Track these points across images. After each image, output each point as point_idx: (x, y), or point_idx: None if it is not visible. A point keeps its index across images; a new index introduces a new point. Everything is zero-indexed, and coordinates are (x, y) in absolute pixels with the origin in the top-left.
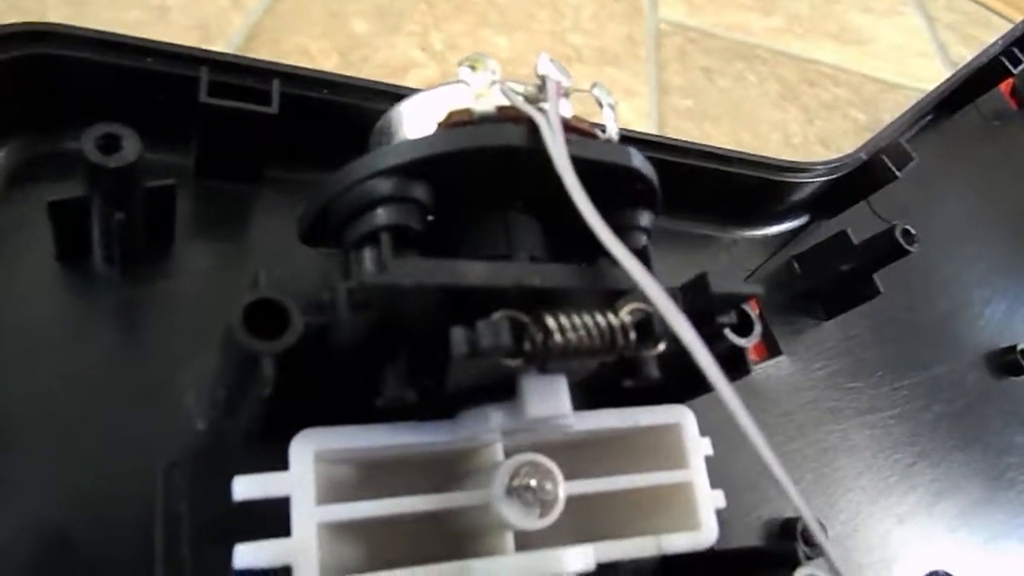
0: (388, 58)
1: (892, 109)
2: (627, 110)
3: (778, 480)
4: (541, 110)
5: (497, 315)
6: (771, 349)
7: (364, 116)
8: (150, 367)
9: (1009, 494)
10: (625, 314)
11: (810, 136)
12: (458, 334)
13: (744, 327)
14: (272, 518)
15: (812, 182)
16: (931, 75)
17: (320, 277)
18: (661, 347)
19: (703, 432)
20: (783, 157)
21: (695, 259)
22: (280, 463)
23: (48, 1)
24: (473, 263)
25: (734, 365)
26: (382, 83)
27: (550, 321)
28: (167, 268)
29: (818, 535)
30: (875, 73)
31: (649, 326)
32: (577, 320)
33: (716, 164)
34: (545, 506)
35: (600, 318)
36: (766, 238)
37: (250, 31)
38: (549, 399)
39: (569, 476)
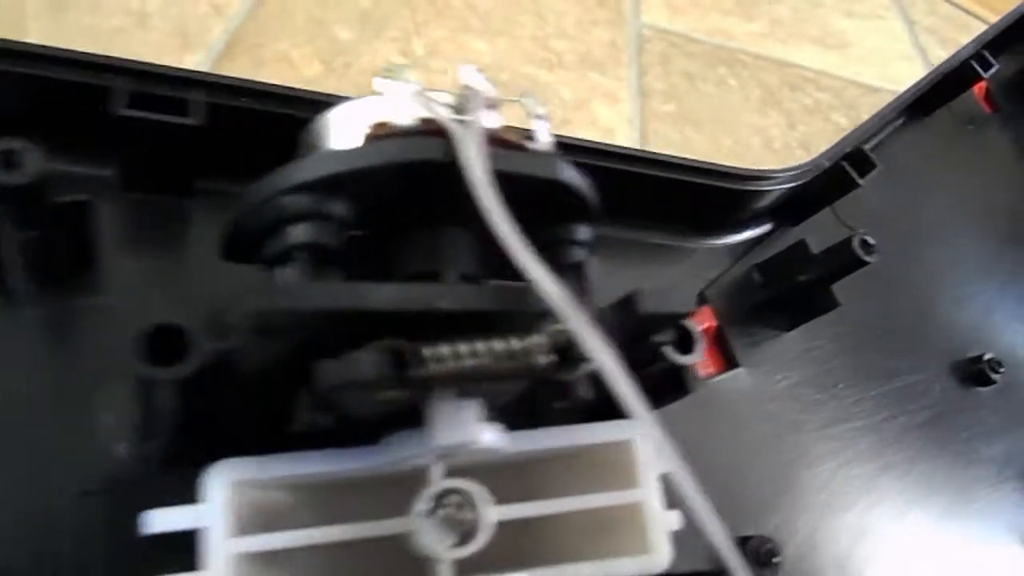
0: (370, 64)
1: (873, 113)
2: (609, 115)
3: (692, 506)
4: (465, 122)
5: (374, 345)
6: (728, 361)
7: (298, 126)
8: (69, 388)
9: (975, 507)
10: (541, 337)
11: (791, 141)
12: (323, 367)
13: (685, 344)
14: (190, 548)
15: (772, 190)
16: (912, 79)
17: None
18: (585, 370)
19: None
20: (765, 161)
21: (651, 270)
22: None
23: (27, 10)
24: (381, 285)
25: (673, 384)
26: (312, 92)
27: (430, 350)
28: (91, 284)
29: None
30: (856, 77)
31: (571, 348)
32: (464, 348)
33: (671, 173)
34: (467, 534)
35: (500, 343)
36: (727, 247)
37: (231, 38)
38: (457, 425)
39: (516, 497)
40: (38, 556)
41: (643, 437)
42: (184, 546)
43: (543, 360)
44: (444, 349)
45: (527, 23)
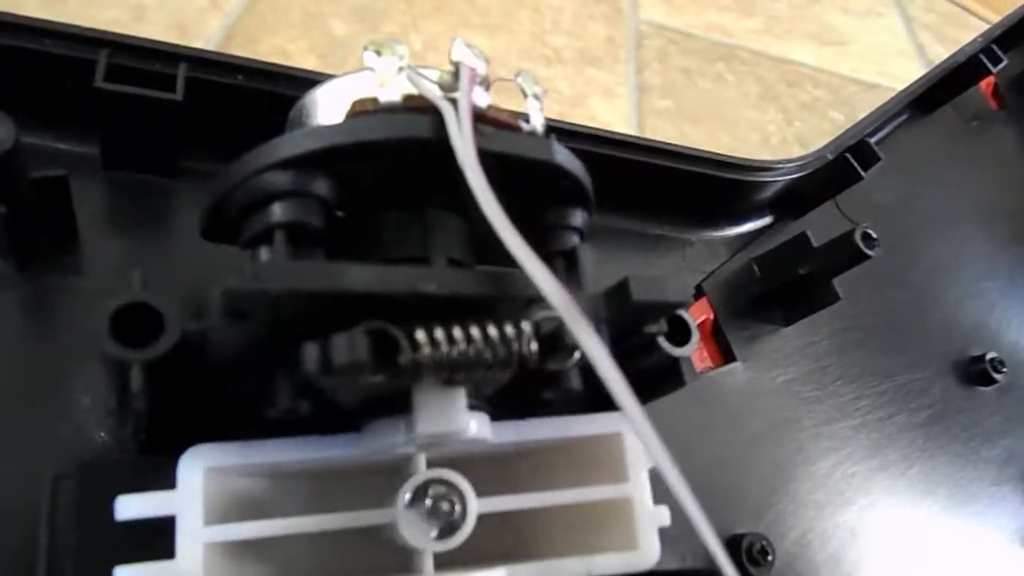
0: None
1: (871, 110)
2: (607, 111)
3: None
4: (452, 100)
5: (358, 328)
6: (725, 355)
7: (286, 103)
8: (47, 371)
9: (974, 507)
10: (528, 323)
11: (788, 137)
12: (310, 350)
13: (680, 335)
14: (167, 536)
15: (774, 182)
16: (910, 75)
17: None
18: (575, 359)
19: None
20: (761, 157)
21: (649, 261)
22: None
23: (23, 0)
24: (360, 267)
25: (667, 376)
26: (301, 69)
27: (420, 334)
28: (72, 264)
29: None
30: (854, 74)
31: (560, 336)
32: (459, 332)
33: (672, 162)
34: (450, 526)
35: (493, 329)
36: (727, 239)
37: (227, 32)
38: (442, 414)
39: (501, 490)
40: (11, 541)
41: (632, 430)
42: (163, 531)
43: (532, 348)
44: (438, 333)
45: (525, 18)
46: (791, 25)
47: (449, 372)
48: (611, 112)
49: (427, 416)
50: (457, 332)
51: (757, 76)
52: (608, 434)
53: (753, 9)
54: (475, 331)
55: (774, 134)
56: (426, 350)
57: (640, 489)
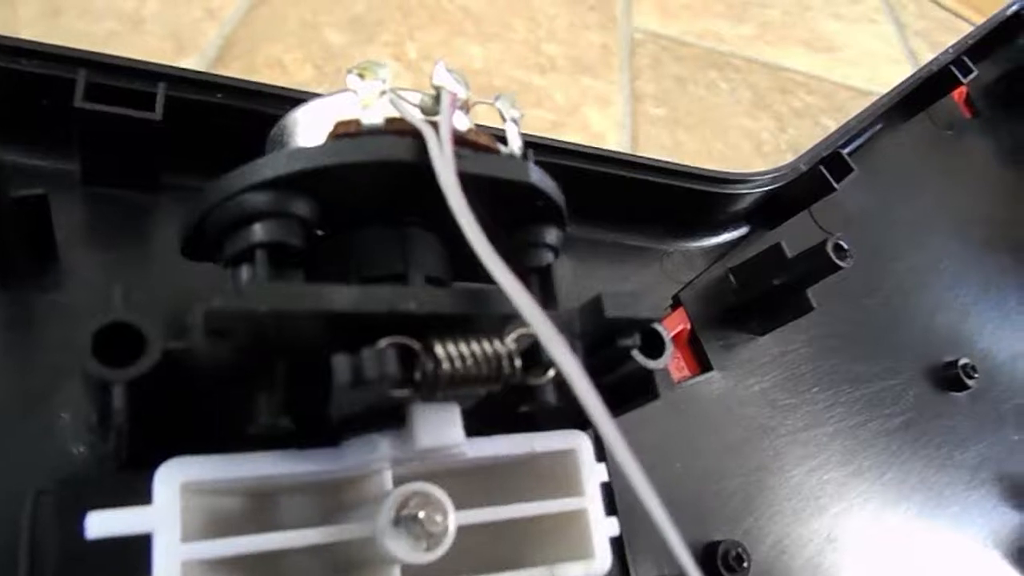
0: None
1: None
2: (601, 119)
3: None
4: (434, 123)
5: (384, 342)
6: (702, 364)
7: (266, 122)
8: (27, 386)
9: (948, 512)
10: (511, 340)
11: (781, 144)
12: (341, 362)
13: (654, 348)
14: (146, 552)
15: (749, 193)
16: None
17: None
18: (550, 374)
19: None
20: (754, 164)
21: (626, 272)
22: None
23: (20, 14)
24: (342, 287)
25: (642, 388)
26: (280, 88)
27: (439, 349)
28: (51, 280)
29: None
30: (846, 80)
31: (536, 353)
32: (464, 348)
33: (648, 175)
34: (433, 538)
35: (487, 345)
36: (703, 250)
37: (224, 42)
38: (440, 429)
39: (462, 504)
40: None
41: (585, 446)
42: (146, 547)
43: (517, 364)
44: (452, 349)
45: (520, 27)
46: (784, 32)
47: (456, 387)
48: (605, 120)
49: (426, 431)
50: (464, 348)
51: (750, 83)
52: (564, 450)
53: (746, 16)
54: (476, 347)
55: (767, 141)
56: (445, 365)
57: (594, 501)
